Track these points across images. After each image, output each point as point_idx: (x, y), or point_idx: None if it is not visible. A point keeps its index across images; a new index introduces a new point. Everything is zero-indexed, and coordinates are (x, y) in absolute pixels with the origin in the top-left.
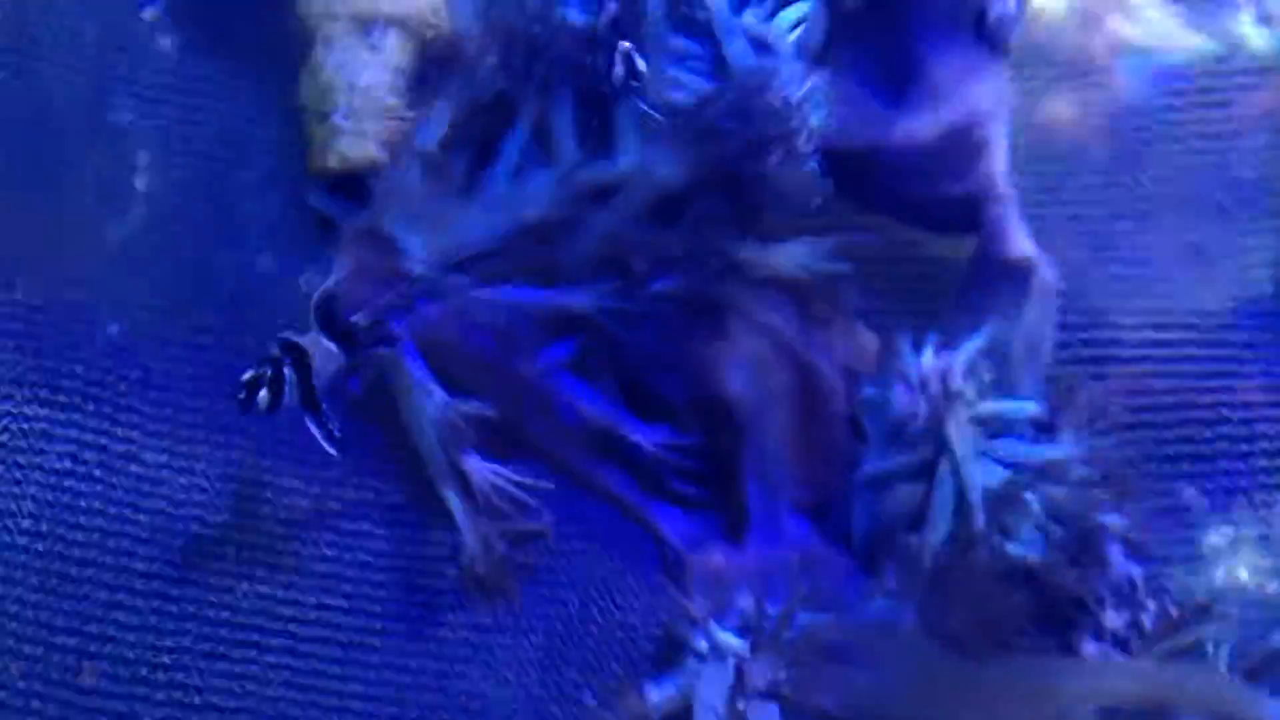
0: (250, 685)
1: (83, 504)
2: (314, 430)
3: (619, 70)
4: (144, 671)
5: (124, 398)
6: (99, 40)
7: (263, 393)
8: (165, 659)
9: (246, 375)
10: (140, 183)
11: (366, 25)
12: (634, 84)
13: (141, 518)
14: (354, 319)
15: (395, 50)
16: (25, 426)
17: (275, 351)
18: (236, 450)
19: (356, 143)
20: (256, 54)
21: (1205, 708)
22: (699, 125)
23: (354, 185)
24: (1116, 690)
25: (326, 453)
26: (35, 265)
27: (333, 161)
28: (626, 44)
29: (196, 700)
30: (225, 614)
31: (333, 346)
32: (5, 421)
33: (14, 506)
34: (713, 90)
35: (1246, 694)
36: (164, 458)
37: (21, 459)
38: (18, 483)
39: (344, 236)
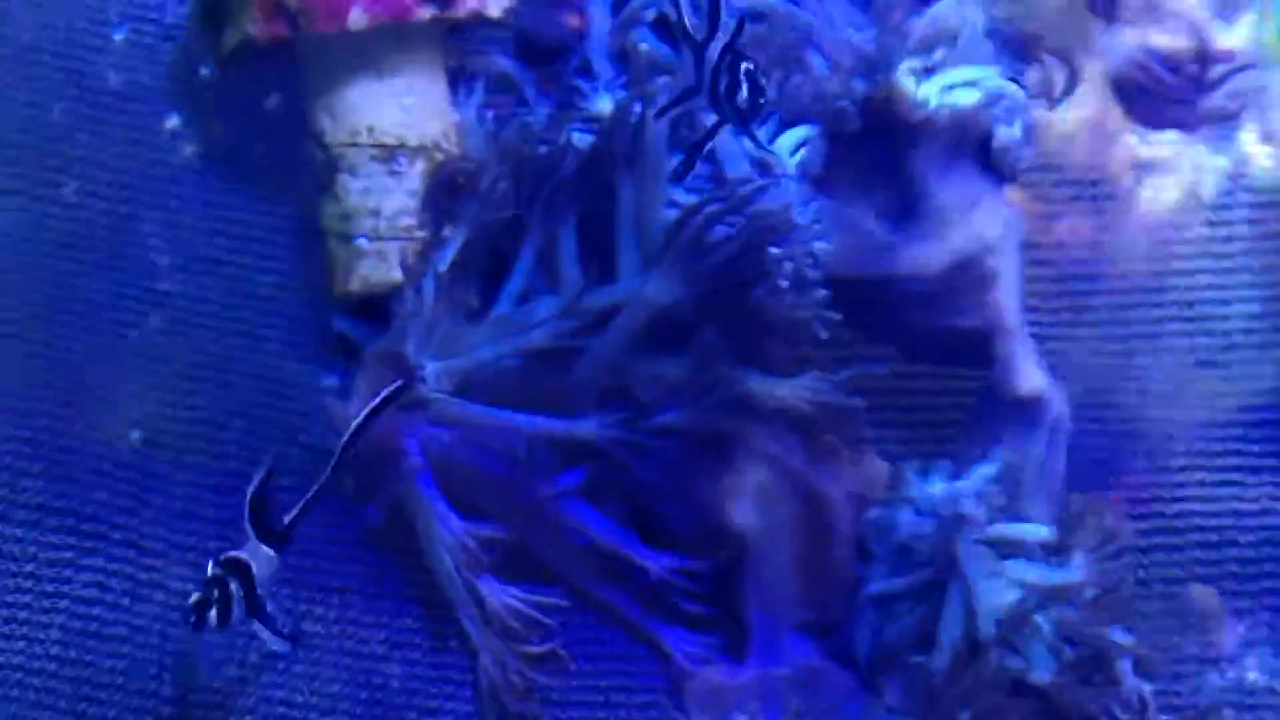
0: None
1: (109, 631)
2: (264, 634)
3: (743, 94)
4: None
5: (148, 524)
6: (123, 151)
7: (212, 612)
8: None
9: (194, 598)
10: (162, 287)
11: (388, 153)
12: (760, 102)
13: (168, 645)
14: (285, 518)
15: (415, 176)
16: (52, 555)
17: (218, 570)
18: None
19: (379, 266)
20: (274, 168)
21: None
22: (691, 234)
23: (375, 308)
24: None
25: (347, 577)
26: (56, 380)
27: (356, 285)
28: (750, 64)
29: None
30: None
31: (269, 550)
32: (32, 550)
33: (42, 634)
34: (704, 196)
35: None
36: (189, 585)
37: (49, 587)
38: (45, 610)
39: (365, 360)
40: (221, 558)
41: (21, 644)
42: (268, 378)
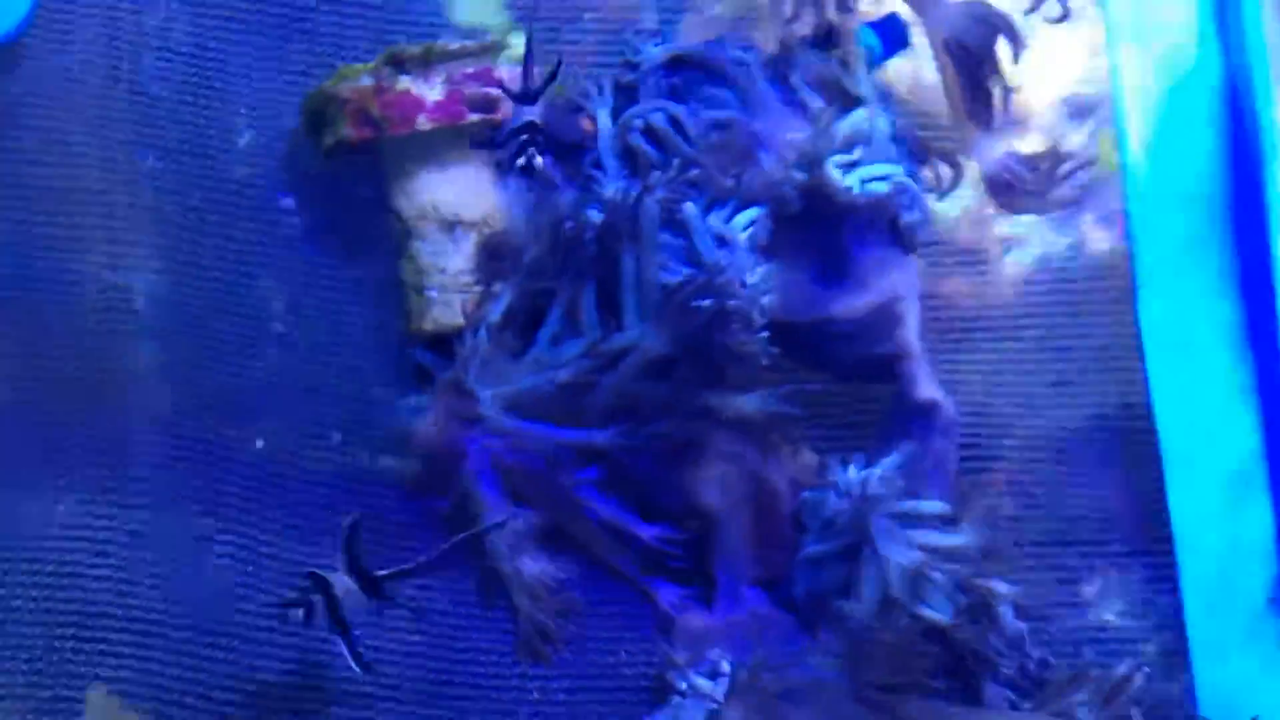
0: None
1: (238, 592)
2: (342, 650)
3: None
4: None
5: (268, 509)
6: (247, 226)
7: (300, 613)
8: None
9: (286, 598)
10: (276, 329)
11: (450, 226)
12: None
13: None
14: (379, 573)
15: (469, 243)
16: (196, 533)
17: (305, 583)
18: None
19: (446, 311)
20: (363, 236)
21: None
22: (676, 303)
23: (443, 343)
24: None
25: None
26: (199, 400)
27: (428, 325)
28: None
29: None
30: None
31: (352, 584)
32: (180, 528)
33: (186, 593)
34: (686, 277)
35: None
36: (296, 556)
37: (192, 558)
38: (190, 577)
39: (437, 386)
40: (308, 572)
41: (174, 603)
42: (359, 399)
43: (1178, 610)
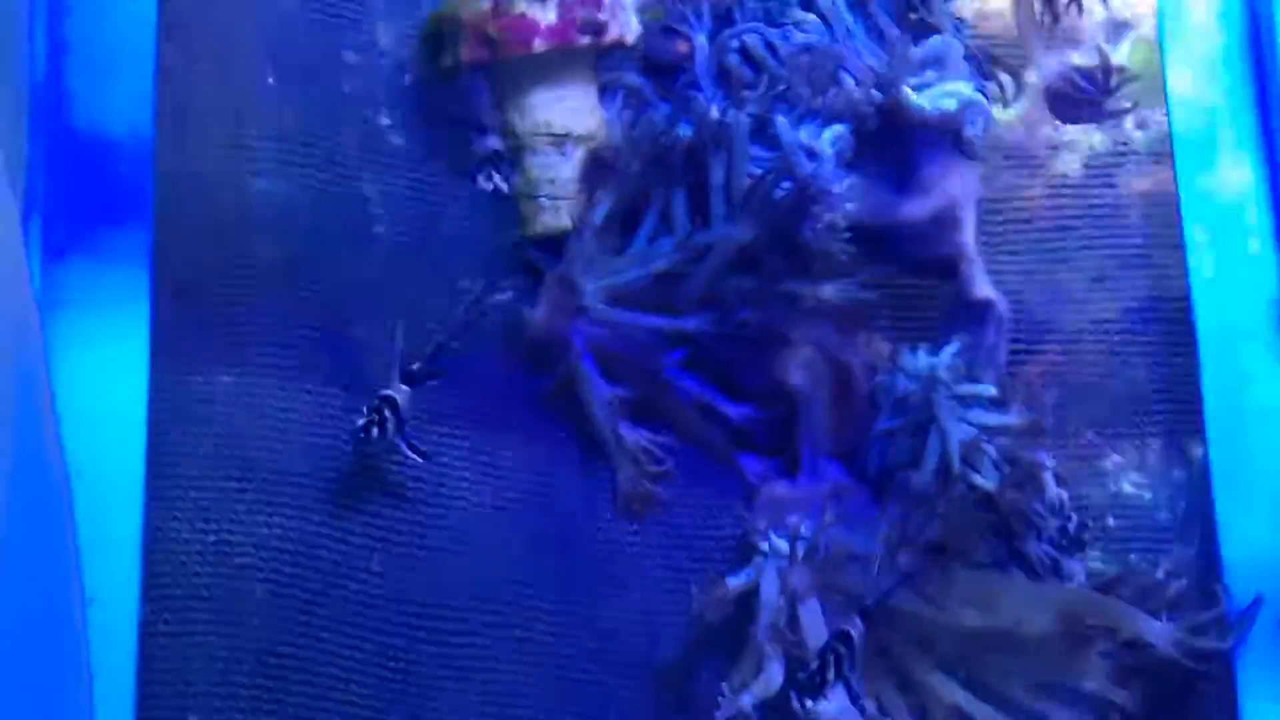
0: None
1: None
2: (404, 449)
3: None
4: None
5: (365, 371)
6: (351, 139)
7: (374, 430)
8: None
9: (361, 421)
10: (377, 230)
11: (559, 140)
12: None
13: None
14: (414, 368)
15: (577, 157)
16: (324, 402)
17: (377, 403)
18: (452, 414)
19: (555, 217)
20: (457, 153)
21: (1107, 621)
22: (764, 194)
23: (551, 245)
24: (1047, 600)
25: (534, 425)
26: (320, 287)
27: (539, 229)
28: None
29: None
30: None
31: (407, 390)
32: (307, 397)
33: (314, 443)
34: (773, 169)
35: (1134, 613)
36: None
37: (323, 422)
38: (327, 436)
39: (546, 281)
40: (379, 395)
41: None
42: (458, 294)
43: (1205, 483)
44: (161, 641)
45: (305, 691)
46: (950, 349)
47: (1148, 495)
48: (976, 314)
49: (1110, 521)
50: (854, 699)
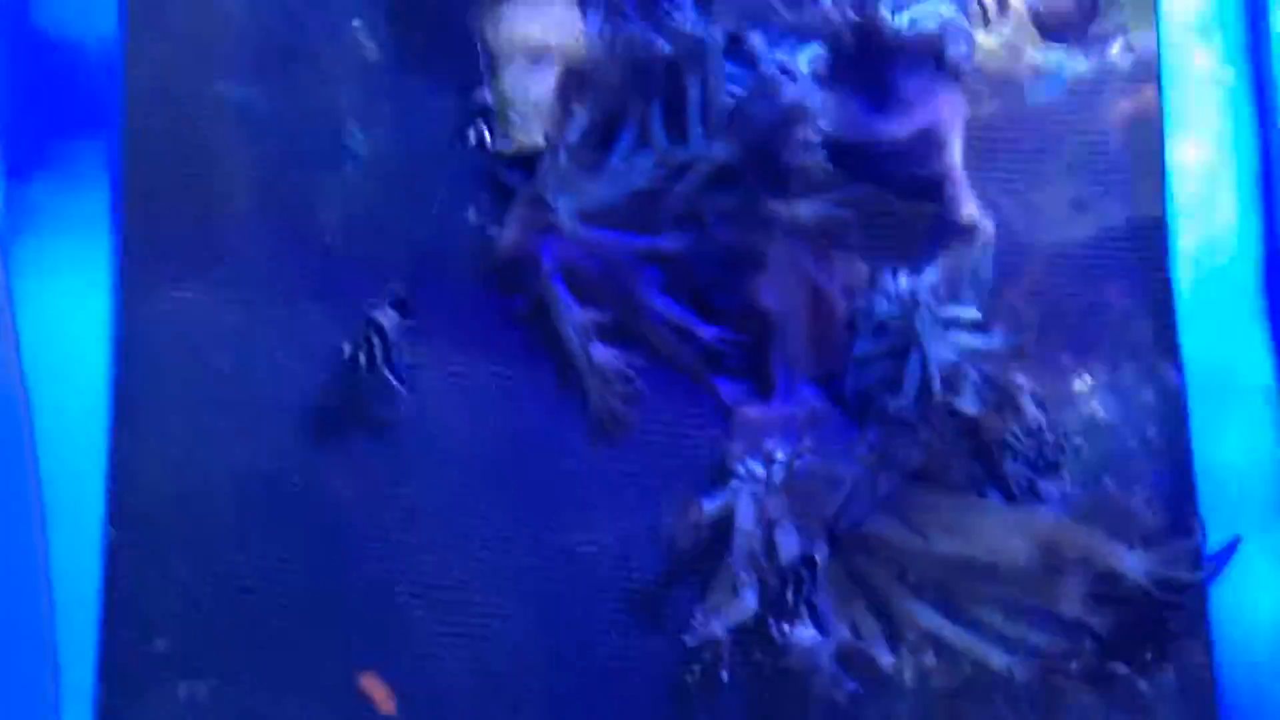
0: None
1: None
2: (389, 377)
3: None
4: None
5: (342, 281)
6: (323, 49)
7: (362, 357)
8: None
9: (348, 349)
10: (352, 145)
11: (536, 54)
12: None
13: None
14: (399, 292)
15: (551, 72)
16: (304, 319)
17: (365, 329)
18: (424, 335)
19: (527, 133)
20: (436, 65)
21: (1083, 551)
22: (743, 114)
23: (525, 162)
24: (1024, 528)
25: (504, 345)
26: (282, 193)
27: (511, 147)
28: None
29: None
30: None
31: (394, 314)
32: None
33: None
34: (751, 89)
35: (1110, 544)
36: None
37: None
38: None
39: (518, 198)
40: (367, 319)
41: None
42: (432, 212)
43: (1180, 403)
44: (127, 567)
45: (274, 618)
46: (932, 270)
47: (1120, 419)
48: (961, 234)
49: (1082, 445)
50: (819, 625)
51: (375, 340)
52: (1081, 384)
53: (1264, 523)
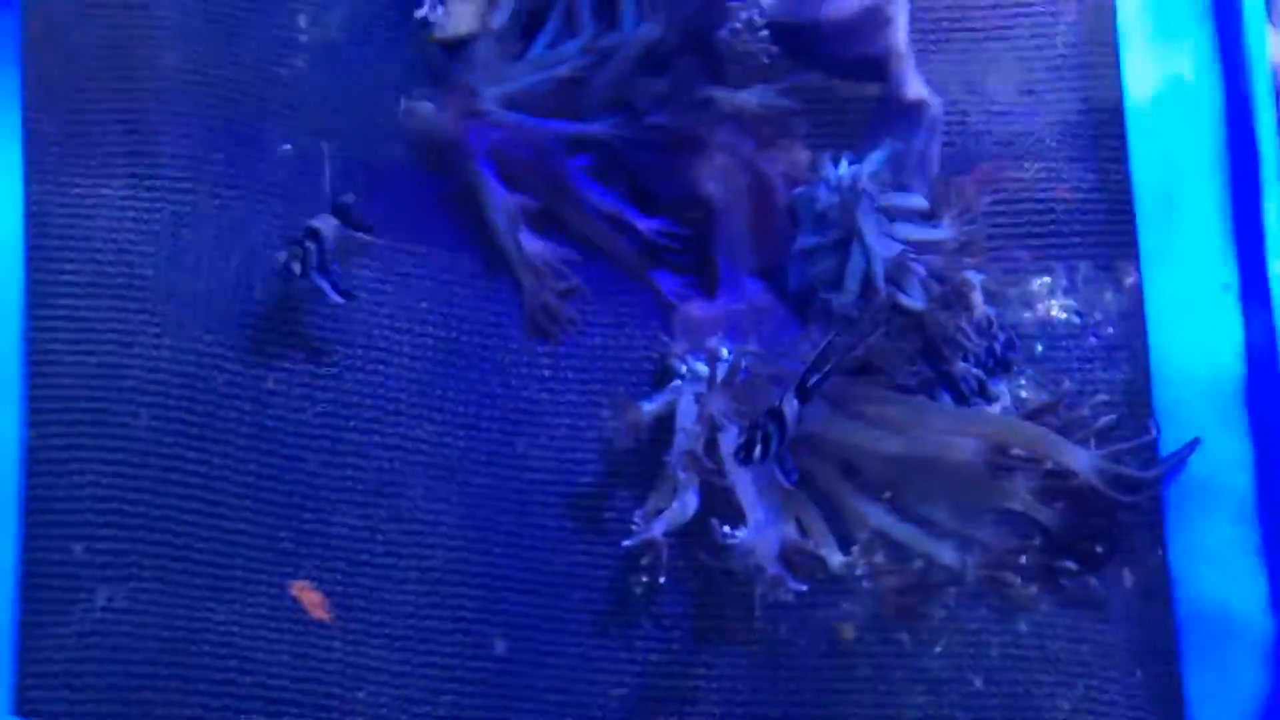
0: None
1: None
2: (324, 286)
3: None
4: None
5: (293, 199)
6: None
7: (296, 265)
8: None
9: (282, 256)
10: (303, 39)
11: None
12: None
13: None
14: (344, 199)
15: None
16: (234, 209)
17: (301, 235)
18: None
19: (460, 21)
20: None
21: (1032, 448)
22: None
23: (459, 49)
24: (972, 426)
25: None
26: (237, 91)
27: (443, 35)
28: None
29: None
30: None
31: (335, 221)
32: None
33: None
34: None
35: (1059, 441)
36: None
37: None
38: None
39: (446, 85)
40: (304, 226)
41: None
42: (376, 100)
43: (1138, 302)
44: (45, 468)
45: (198, 517)
46: (876, 156)
47: (1078, 318)
48: (907, 116)
49: (1038, 346)
50: (786, 474)
51: (311, 247)
52: (1038, 282)
53: (1224, 422)
